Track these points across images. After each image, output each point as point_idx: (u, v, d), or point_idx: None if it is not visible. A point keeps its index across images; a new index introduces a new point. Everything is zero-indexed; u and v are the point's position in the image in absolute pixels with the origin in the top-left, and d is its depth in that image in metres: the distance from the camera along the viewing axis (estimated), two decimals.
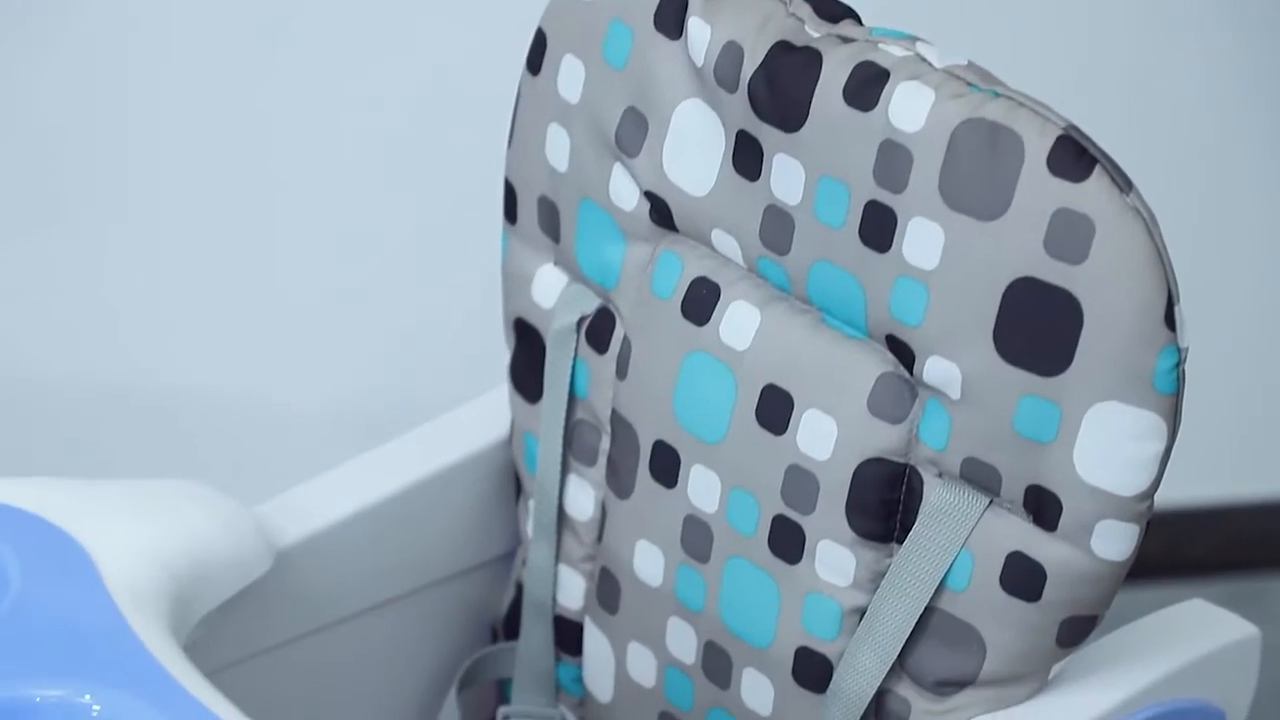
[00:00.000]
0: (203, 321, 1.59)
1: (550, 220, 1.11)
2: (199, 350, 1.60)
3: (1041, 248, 0.91)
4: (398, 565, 1.15)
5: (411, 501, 1.14)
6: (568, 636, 1.16)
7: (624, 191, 1.06)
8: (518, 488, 1.18)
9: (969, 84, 0.93)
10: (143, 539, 0.99)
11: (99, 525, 0.99)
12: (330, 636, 1.13)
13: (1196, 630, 1.04)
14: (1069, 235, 0.90)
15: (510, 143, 1.12)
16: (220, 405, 1.61)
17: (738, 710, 1.06)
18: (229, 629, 1.06)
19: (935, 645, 0.99)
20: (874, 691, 1.00)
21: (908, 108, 0.94)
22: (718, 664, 1.06)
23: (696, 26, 1.00)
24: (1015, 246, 0.92)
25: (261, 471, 1.44)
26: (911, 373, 0.97)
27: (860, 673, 1.00)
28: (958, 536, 0.97)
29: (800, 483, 1.01)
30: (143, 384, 1.60)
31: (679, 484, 1.06)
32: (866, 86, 0.95)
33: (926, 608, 0.98)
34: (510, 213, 1.14)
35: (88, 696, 0.89)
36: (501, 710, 1.18)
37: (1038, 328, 0.92)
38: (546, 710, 1.18)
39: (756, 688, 1.05)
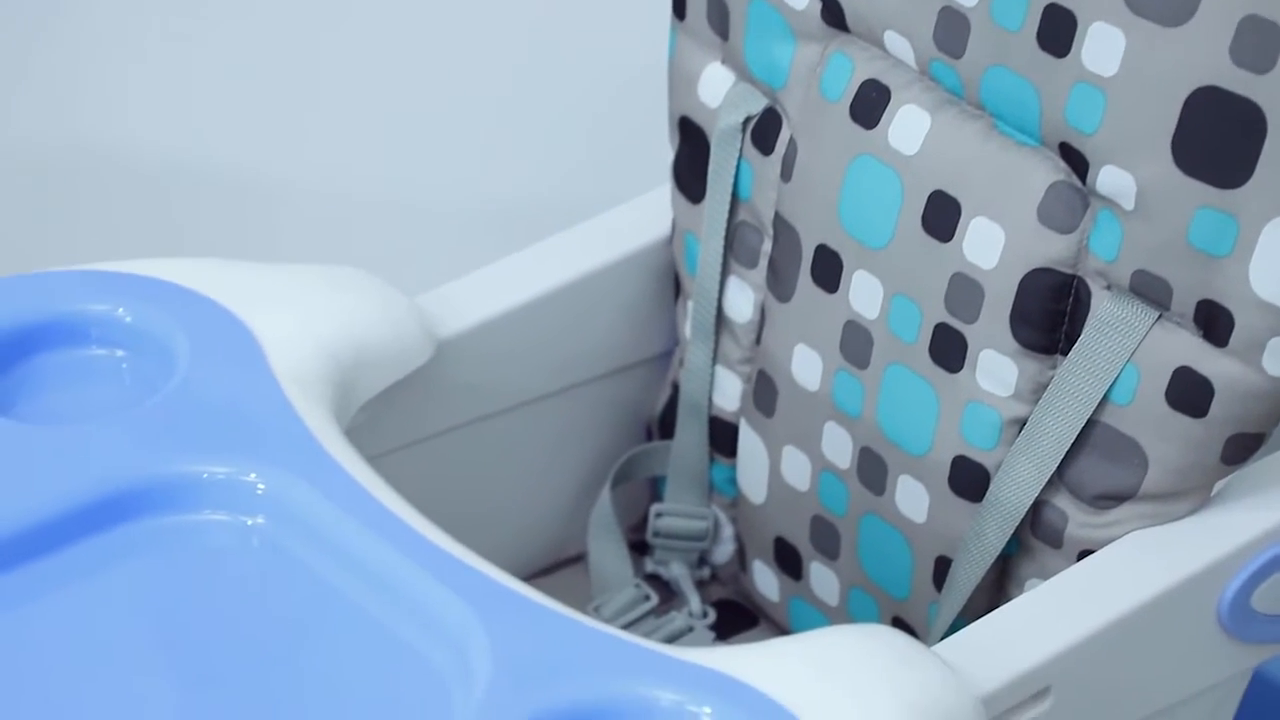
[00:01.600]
0: (359, 118, 1.60)
1: (719, 17, 1.10)
2: (357, 146, 1.61)
3: (1227, 55, 0.88)
4: (556, 361, 1.16)
5: (571, 298, 1.14)
6: (722, 437, 1.16)
7: None
8: (677, 288, 1.18)
9: None
10: (307, 323, 0.99)
11: (264, 308, 1.00)
12: (487, 429, 1.14)
13: None
14: (1256, 43, 0.87)
15: None
16: (376, 200, 1.61)
17: (892, 516, 1.06)
18: (387, 417, 1.07)
19: (1096, 459, 0.98)
20: (1031, 503, 0.99)
21: None
22: (873, 470, 1.06)
23: None
24: (1199, 54, 0.89)
25: (418, 267, 1.44)
26: (1084, 182, 0.96)
27: (1018, 484, 0.99)
28: (1124, 350, 0.95)
29: (964, 291, 1.00)
30: (303, 176, 1.61)
31: (840, 289, 1.05)
32: None
33: (1089, 421, 0.97)
34: (679, 8, 1.12)
35: (252, 475, 0.90)
36: (654, 508, 1.19)
37: (1218, 138, 0.90)
38: (699, 509, 1.18)
39: (911, 495, 1.05)
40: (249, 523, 0.90)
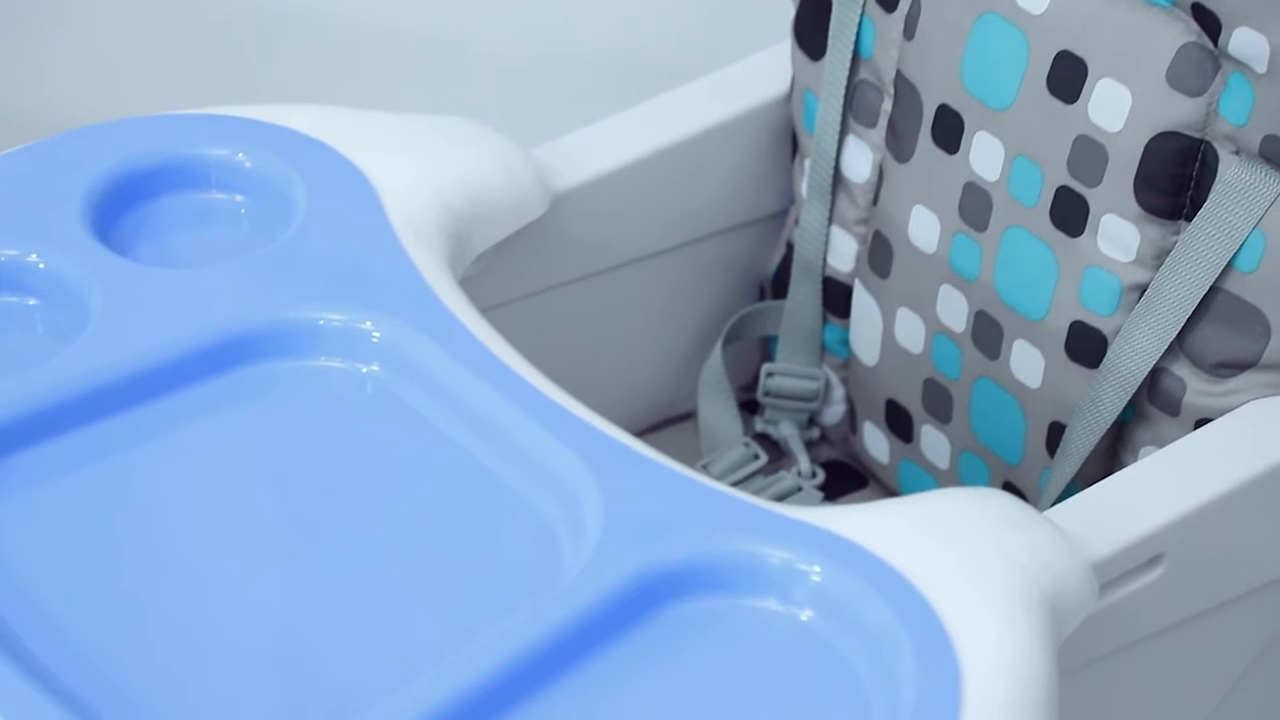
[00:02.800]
0: None
1: None
2: None
3: None
4: (670, 217, 1.15)
5: (688, 154, 1.13)
6: (836, 298, 1.15)
7: None
8: (794, 147, 1.17)
9: None
10: (424, 172, 0.99)
11: (382, 156, 1.00)
12: (599, 284, 1.14)
13: None
14: None
15: None
16: (491, 51, 1.60)
17: (1006, 381, 1.05)
18: (501, 270, 1.07)
19: (1217, 326, 0.96)
20: (1149, 370, 0.98)
21: None
22: (988, 334, 1.05)
23: None
24: None
25: (534, 120, 1.44)
26: (1216, 44, 0.94)
27: (1136, 351, 0.98)
28: (1251, 216, 0.94)
29: (1088, 154, 0.98)
30: (418, 25, 1.60)
31: (961, 150, 1.04)
32: None
33: (1211, 288, 0.96)
34: None
35: (368, 323, 0.91)
36: (765, 367, 1.19)
37: None
38: (810, 370, 1.18)
39: (1027, 360, 1.04)
40: (363, 370, 0.90)
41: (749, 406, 1.23)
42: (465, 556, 0.83)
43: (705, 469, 1.17)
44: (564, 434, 0.85)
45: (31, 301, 0.93)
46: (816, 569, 0.80)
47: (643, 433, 1.22)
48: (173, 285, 0.92)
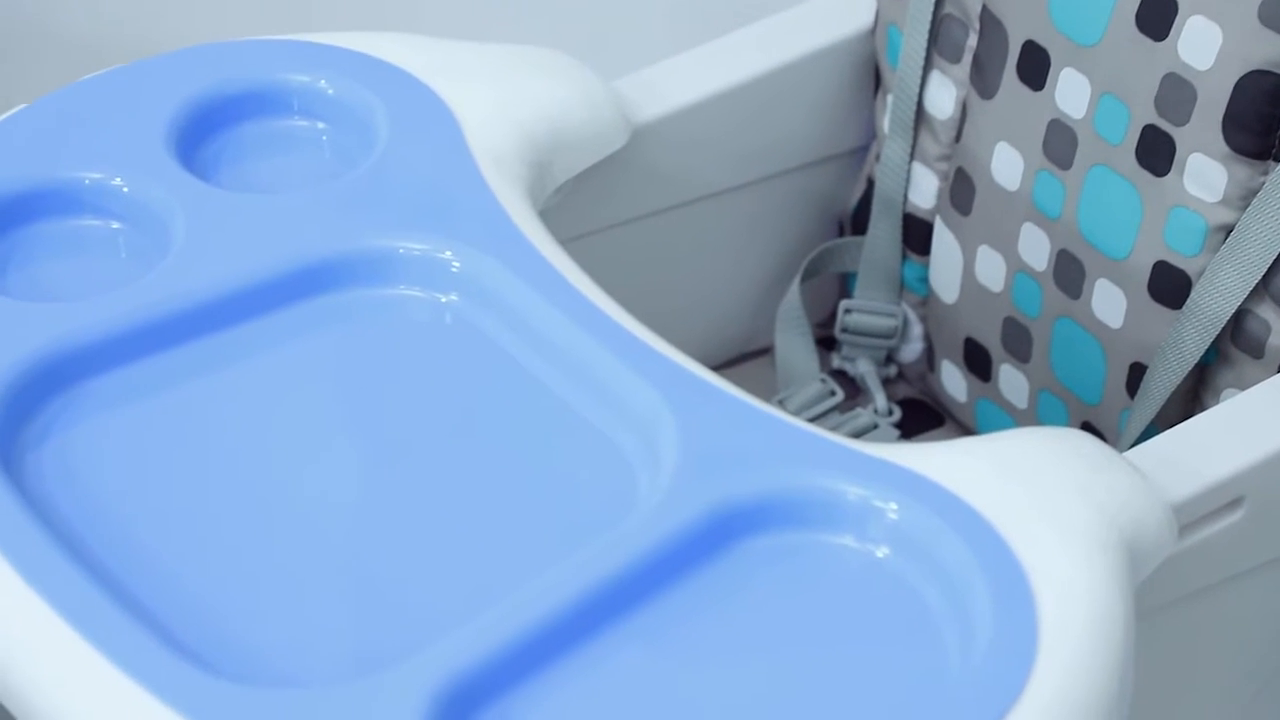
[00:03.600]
0: None
1: None
2: None
3: None
4: (751, 151, 1.14)
5: (770, 88, 1.12)
6: (916, 235, 1.15)
7: None
8: (876, 81, 1.16)
9: None
10: (506, 102, 0.99)
11: (463, 85, 0.99)
12: (678, 217, 1.13)
13: None
14: None
15: None
16: None
17: (1086, 321, 1.04)
18: (580, 201, 1.07)
19: None
20: (1233, 311, 0.97)
21: None
22: (1070, 273, 1.05)
23: None
24: None
25: (615, 50, 1.43)
26: None
27: (1221, 292, 0.97)
28: None
29: (1176, 92, 0.97)
30: None
31: (1047, 86, 1.03)
32: None
33: None
34: None
35: (448, 253, 0.91)
36: (844, 303, 1.18)
37: None
38: (888, 307, 1.17)
39: (1108, 299, 1.03)
40: (442, 300, 0.90)
41: (826, 343, 1.22)
42: (540, 488, 0.83)
43: (781, 404, 1.17)
44: (641, 367, 0.85)
45: (115, 225, 0.93)
46: (893, 506, 0.79)
47: (719, 368, 1.22)
48: (255, 211, 0.92)
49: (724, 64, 1.12)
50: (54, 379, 0.84)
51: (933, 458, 0.82)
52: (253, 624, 0.76)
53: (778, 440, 0.82)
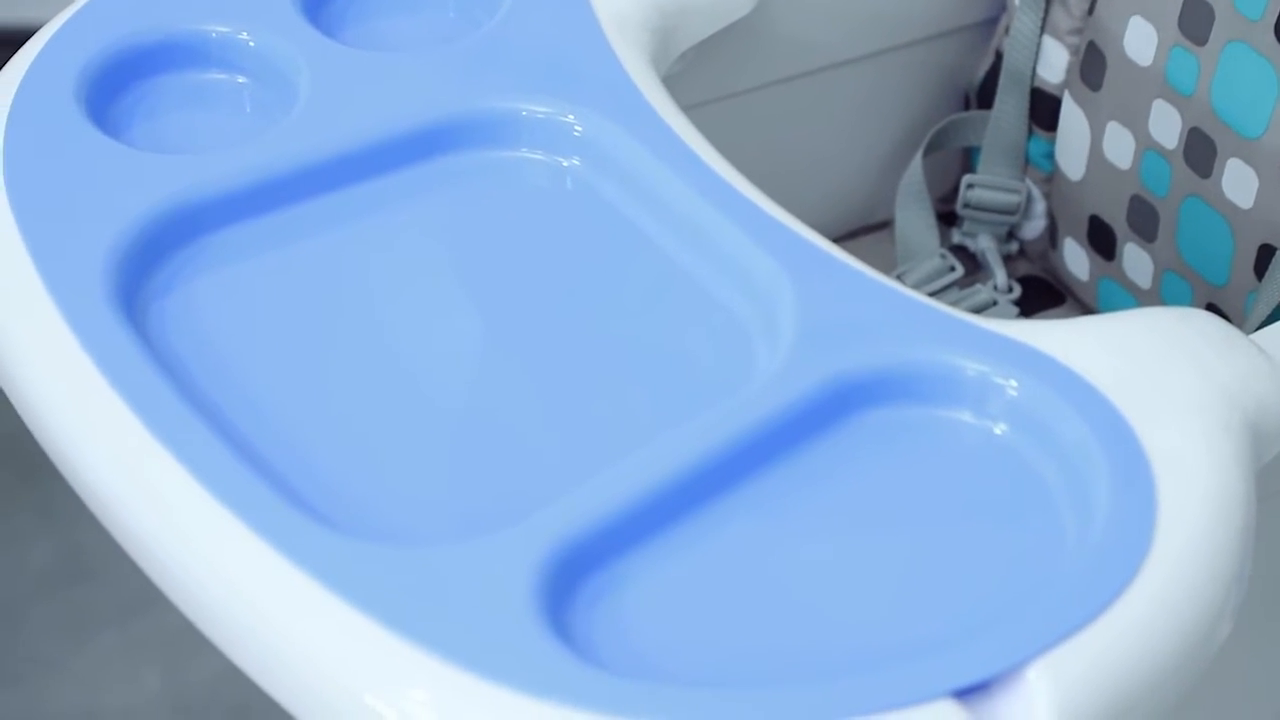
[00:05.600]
0: None
1: None
2: None
3: None
4: (877, 20, 1.13)
5: None
6: (1043, 110, 1.13)
7: None
8: None
9: None
10: None
11: None
12: (801, 86, 1.12)
13: None
14: None
15: None
16: None
17: (1216, 200, 1.03)
18: (703, 68, 1.06)
19: None
20: None
21: None
22: (1201, 151, 1.03)
23: None
24: None
25: None
26: None
27: None
28: None
29: None
30: None
31: None
32: None
33: None
34: None
35: (570, 117, 0.90)
36: (966, 178, 1.17)
37: None
38: (1012, 183, 1.16)
39: (1240, 179, 1.01)
40: (564, 164, 0.90)
41: (947, 218, 1.21)
42: (656, 354, 0.82)
43: (900, 279, 1.16)
44: (761, 237, 0.84)
45: (241, 79, 0.93)
46: (1013, 382, 0.79)
47: (838, 240, 1.21)
48: (379, 69, 0.92)
49: None
50: (178, 231, 0.85)
51: (1053, 334, 0.81)
52: (366, 480, 0.76)
53: (897, 313, 0.82)
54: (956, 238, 1.19)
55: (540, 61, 0.92)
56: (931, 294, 1.15)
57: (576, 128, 0.90)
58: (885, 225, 1.22)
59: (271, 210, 0.87)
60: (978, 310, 1.14)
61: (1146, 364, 0.80)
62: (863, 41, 1.13)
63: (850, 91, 1.15)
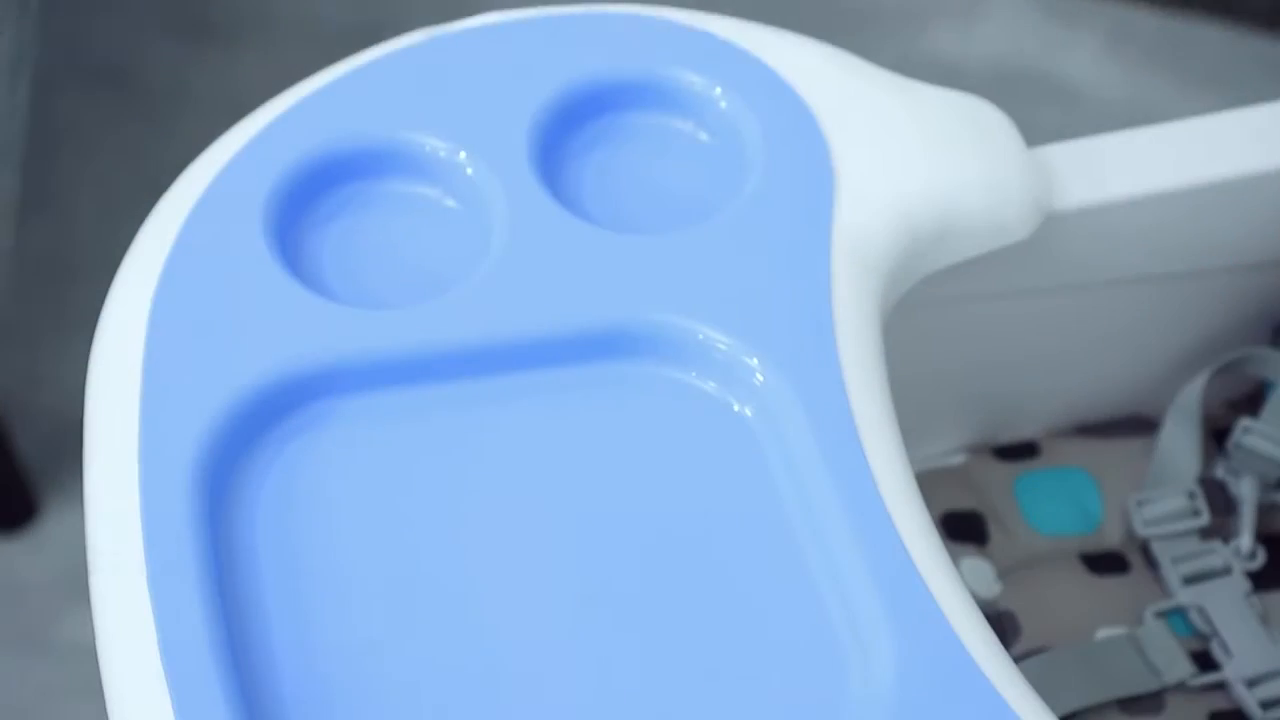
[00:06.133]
0: None
1: None
2: None
3: None
4: (1190, 247, 1.01)
5: (1232, 191, 0.98)
6: None
7: None
8: None
9: None
10: (903, 181, 0.87)
11: (862, 138, 0.88)
12: (1077, 296, 1.02)
13: None
14: None
15: None
16: None
17: None
18: (971, 267, 0.96)
19: None
20: None
21: None
22: None
23: None
24: None
25: None
26: None
27: None
28: None
29: None
30: None
31: None
32: None
33: None
34: None
35: (754, 360, 0.82)
36: (1244, 422, 1.05)
37: None
38: None
39: None
40: (735, 409, 0.82)
41: (1220, 435, 1.10)
42: (743, 676, 0.75)
43: (1139, 507, 1.05)
44: (885, 580, 0.76)
45: (450, 203, 0.87)
46: None
47: (1091, 427, 1.11)
48: (578, 245, 0.84)
49: (1184, 155, 0.97)
50: (307, 389, 0.80)
51: None
52: None
53: None
54: (1220, 472, 1.08)
55: (746, 276, 0.84)
56: (1161, 537, 1.05)
57: (758, 376, 0.82)
58: (1148, 425, 1.11)
59: (410, 385, 0.81)
60: (1205, 576, 1.04)
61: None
62: (1163, 263, 1.02)
63: (1137, 307, 1.04)
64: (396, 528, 0.78)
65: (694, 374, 0.83)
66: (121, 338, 0.80)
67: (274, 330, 0.80)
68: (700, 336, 0.82)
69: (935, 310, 0.96)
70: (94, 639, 0.73)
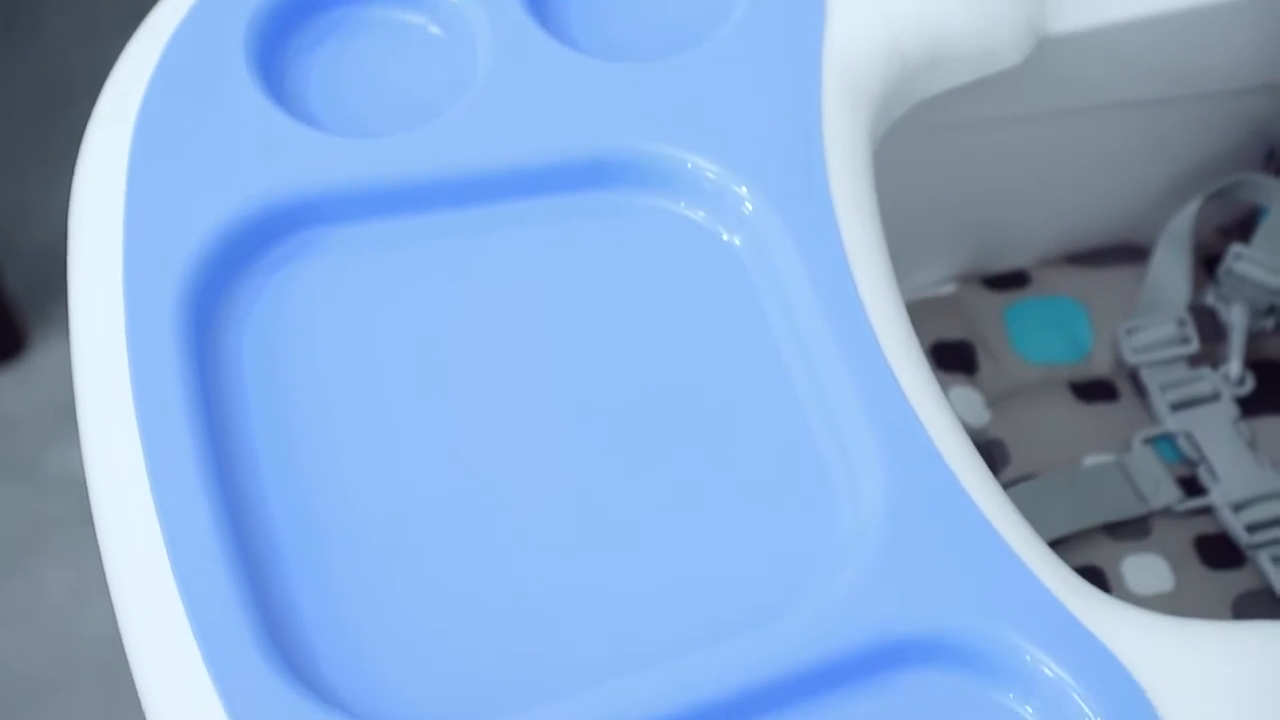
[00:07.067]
0: None
1: None
2: None
3: None
4: (1180, 71, 1.00)
5: (1220, 14, 0.97)
6: None
7: None
8: None
9: None
10: (888, 1, 0.87)
11: None
12: (1071, 120, 1.01)
13: None
14: None
15: None
16: None
17: None
18: (962, 93, 0.95)
19: None
20: None
21: None
22: None
23: None
24: None
25: None
26: None
27: None
28: None
29: None
30: None
31: None
32: None
33: None
34: None
35: (743, 189, 0.81)
36: (1235, 248, 1.05)
37: None
38: None
39: None
40: (724, 238, 0.82)
41: (1210, 262, 1.09)
42: (734, 508, 0.75)
43: (1128, 334, 1.05)
44: (877, 413, 0.75)
45: (434, 29, 0.86)
46: (1077, 697, 0.71)
47: (1083, 255, 1.10)
48: (565, 71, 0.83)
49: None
50: (293, 218, 0.79)
51: (1157, 650, 0.71)
52: (352, 612, 0.71)
53: (986, 563, 0.73)
54: (1210, 299, 1.08)
55: (737, 103, 0.83)
56: (1157, 364, 1.05)
57: (747, 205, 0.81)
58: (1138, 253, 1.11)
59: (398, 214, 0.80)
60: (1194, 402, 1.04)
61: None
62: (1158, 87, 1.01)
63: (1131, 132, 1.03)
64: (383, 355, 0.77)
65: (683, 203, 0.82)
66: (103, 168, 0.79)
67: (258, 158, 0.80)
68: (689, 165, 0.82)
69: (927, 137, 0.95)
70: (84, 470, 0.73)
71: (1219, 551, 0.99)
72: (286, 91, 0.83)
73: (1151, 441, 1.03)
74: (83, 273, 0.76)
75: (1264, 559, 0.98)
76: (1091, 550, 0.98)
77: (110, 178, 0.78)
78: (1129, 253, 1.11)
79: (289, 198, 0.79)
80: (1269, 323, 1.08)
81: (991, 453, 1.02)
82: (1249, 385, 1.05)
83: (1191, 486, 1.01)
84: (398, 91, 0.84)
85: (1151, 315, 1.06)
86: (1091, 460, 1.02)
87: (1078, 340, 1.08)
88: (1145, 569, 0.98)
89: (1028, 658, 0.71)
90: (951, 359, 1.05)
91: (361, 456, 0.75)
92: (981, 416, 1.04)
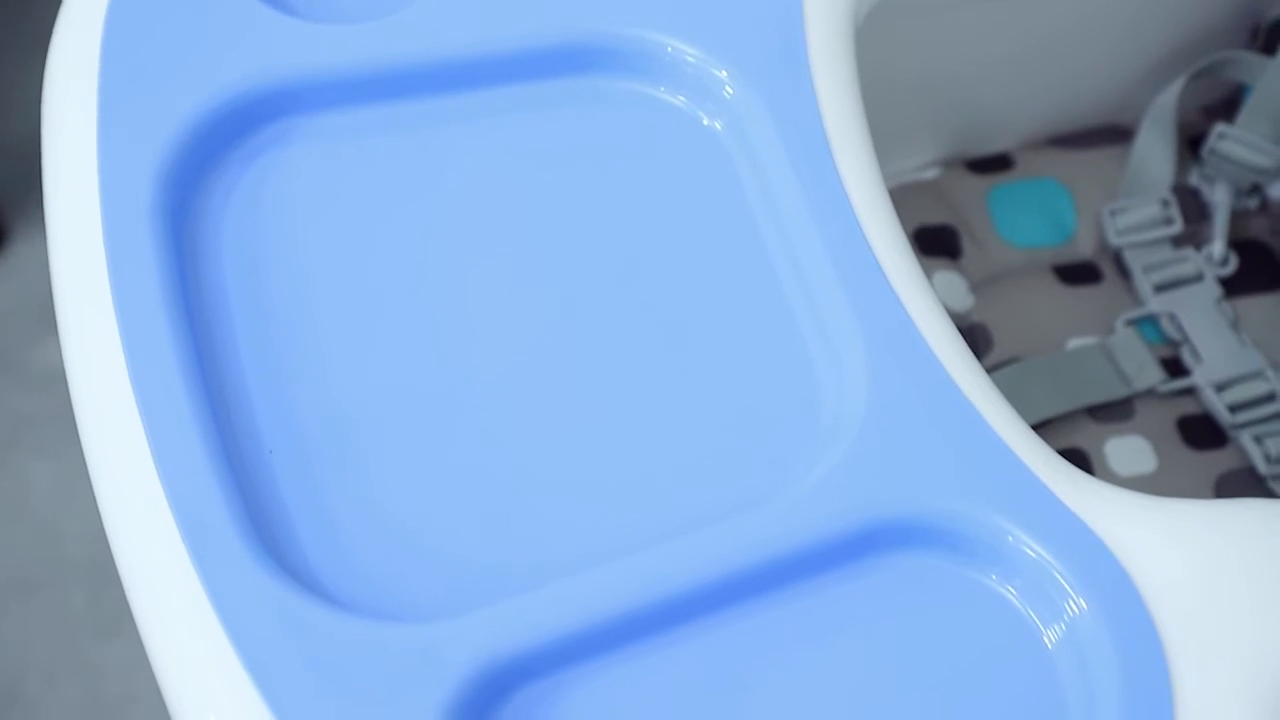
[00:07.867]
0: None
1: None
2: None
3: None
4: None
5: None
6: None
7: None
8: None
9: None
10: None
11: None
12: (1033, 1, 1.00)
13: None
14: None
15: None
16: None
17: None
18: None
19: None
20: None
21: None
22: None
23: None
24: None
25: None
26: None
27: None
28: None
29: None
30: None
31: None
32: None
33: None
34: None
35: (723, 73, 0.80)
36: (1219, 127, 1.05)
37: None
38: (1267, 145, 1.03)
39: None
40: (704, 122, 0.81)
41: (1195, 142, 1.09)
42: (717, 394, 0.75)
43: (1111, 216, 1.05)
44: (862, 305, 0.75)
45: None
46: (1059, 577, 0.71)
47: (1071, 136, 1.10)
48: None
49: None
50: (270, 107, 0.78)
51: (1132, 531, 0.71)
52: (333, 509, 0.71)
53: (967, 445, 0.73)
54: (1194, 179, 1.07)
55: None
56: (1135, 245, 1.04)
57: (727, 89, 0.80)
58: (1122, 134, 1.10)
59: (376, 101, 0.80)
60: (1178, 282, 1.04)
61: (1221, 606, 0.71)
62: None
63: (1116, 3, 1.02)
64: (363, 243, 0.77)
65: (663, 88, 0.81)
66: (74, 59, 0.78)
67: (232, 46, 0.79)
68: (669, 49, 0.81)
69: (908, 17, 0.94)
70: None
71: (1201, 432, 0.99)
72: None
73: (1135, 323, 1.03)
74: (57, 166, 0.76)
75: (1246, 438, 0.98)
76: (1074, 433, 0.98)
77: (82, 69, 0.77)
78: (1113, 134, 1.11)
79: (264, 86, 0.78)
80: (1252, 202, 1.07)
81: (975, 336, 1.02)
82: (1232, 265, 1.05)
83: (1174, 368, 1.01)
84: None
85: (1135, 197, 1.06)
86: (1075, 343, 1.02)
87: (1061, 223, 1.07)
88: (1128, 450, 0.98)
89: (1010, 539, 0.71)
90: (935, 243, 1.05)
91: (342, 345, 0.74)
92: (965, 301, 1.03)
